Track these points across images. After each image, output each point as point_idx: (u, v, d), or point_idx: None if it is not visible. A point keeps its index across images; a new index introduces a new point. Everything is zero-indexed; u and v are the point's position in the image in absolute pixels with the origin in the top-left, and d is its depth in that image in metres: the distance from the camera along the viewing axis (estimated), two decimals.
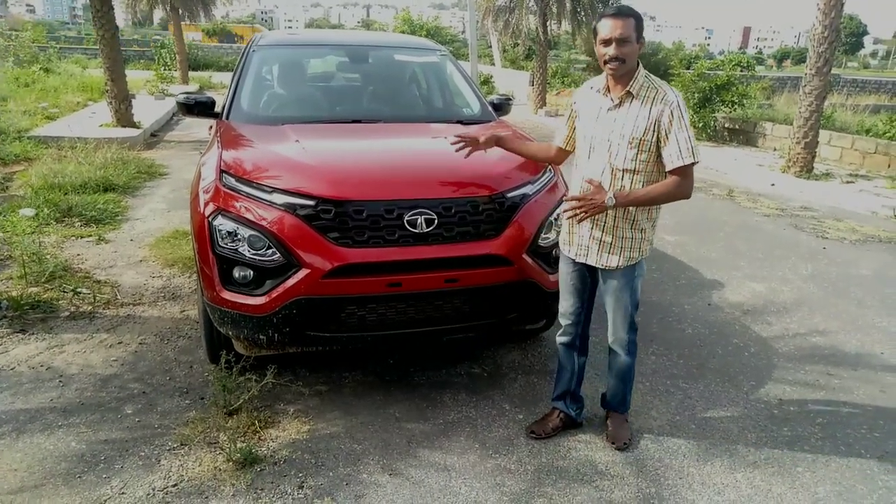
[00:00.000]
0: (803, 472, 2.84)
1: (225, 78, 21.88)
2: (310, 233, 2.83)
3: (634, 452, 2.92)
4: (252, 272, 2.91)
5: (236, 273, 2.92)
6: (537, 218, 3.16)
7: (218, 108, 4.03)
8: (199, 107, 3.98)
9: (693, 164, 2.52)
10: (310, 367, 3.52)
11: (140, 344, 3.76)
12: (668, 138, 2.51)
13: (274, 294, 2.85)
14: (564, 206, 2.70)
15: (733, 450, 2.97)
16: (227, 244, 2.90)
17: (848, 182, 9.66)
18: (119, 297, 4.40)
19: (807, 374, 3.74)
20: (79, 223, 6.00)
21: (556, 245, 3.26)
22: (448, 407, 3.22)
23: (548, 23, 17.38)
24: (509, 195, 3.12)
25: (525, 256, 3.08)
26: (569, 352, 3.03)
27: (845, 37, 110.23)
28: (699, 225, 6.98)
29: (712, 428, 3.15)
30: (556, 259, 3.29)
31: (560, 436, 3.02)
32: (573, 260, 2.84)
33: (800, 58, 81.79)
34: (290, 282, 2.82)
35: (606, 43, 2.52)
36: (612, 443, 2.95)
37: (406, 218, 2.89)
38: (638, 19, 2.53)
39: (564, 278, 2.93)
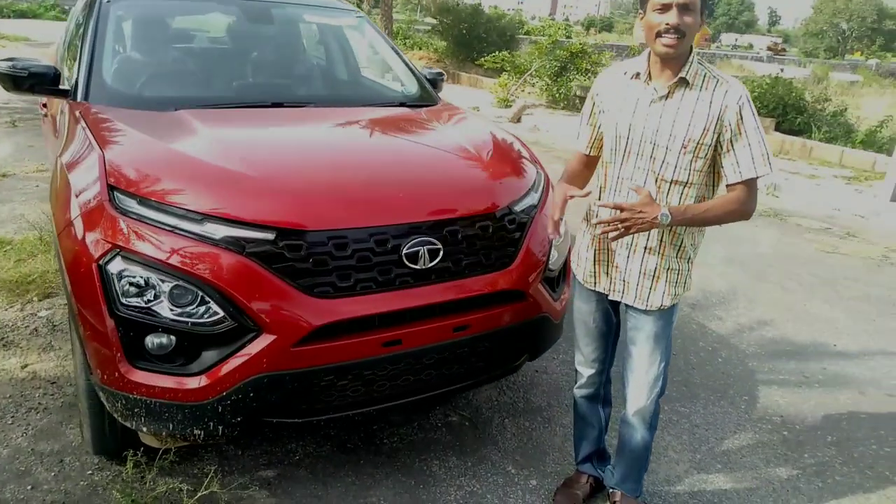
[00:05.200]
0: None
1: (15, 27, 18.22)
2: (270, 280, 1.94)
3: None
4: (175, 340, 1.95)
5: (150, 342, 1.95)
6: (547, 234, 2.51)
7: (66, 84, 2.84)
8: (34, 80, 2.74)
9: (763, 175, 1.97)
10: (239, 442, 2.60)
11: None
12: (735, 143, 1.94)
13: (219, 373, 1.93)
14: (600, 217, 2.06)
15: (772, 491, 2.62)
16: (134, 302, 1.92)
17: None
18: None
19: (785, 378, 3.52)
20: None
21: (562, 267, 2.65)
22: (442, 480, 2.51)
23: None
24: (517, 208, 2.43)
25: (539, 286, 2.43)
26: (592, 405, 2.44)
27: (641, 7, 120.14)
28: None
29: (738, 465, 2.77)
30: (558, 281, 2.69)
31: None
32: (598, 296, 2.23)
33: (602, 26, 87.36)
34: (246, 354, 1.92)
35: (664, 9, 1.88)
36: None
37: (404, 250, 2.09)
38: None
39: (584, 319, 2.30)
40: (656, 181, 2.01)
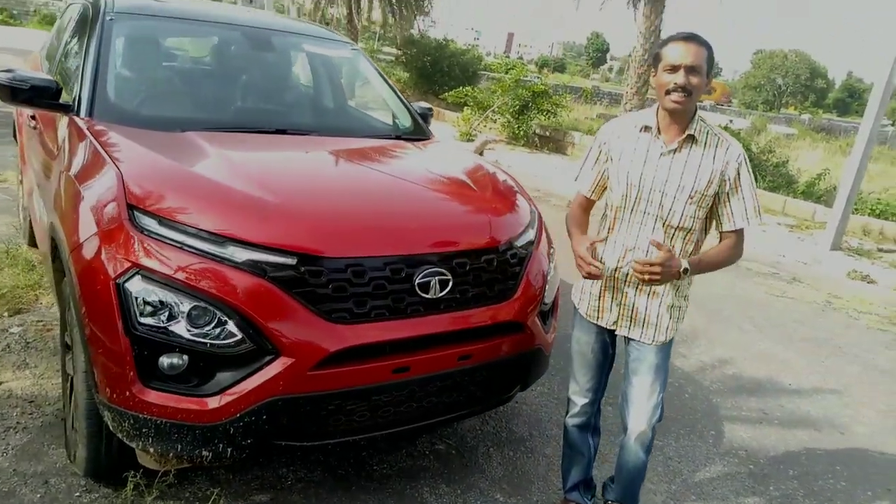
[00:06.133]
0: None
1: None
2: (290, 304, 1.99)
3: None
4: (189, 360, 1.97)
5: (164, 362, 1.96)
6: (543, 269, 2.64)
7: (66, 98, 2.83)
8: (34, 93, 2.71)
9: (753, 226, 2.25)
10: (230, 467, 2.59)
11: None
12: (731, 196, 2.19)
13: (234, 394, 1.95)
14: (606, 259, 2.25)
15: None
16: (151, 322, 1.93)
17: None
18: None
19: (747, 414, 3.72)
20: None
21: (552, 301, 2.78)
22: None
23: (358, 11, 16.68)
24: (517, 243, 2.55)
25: (536, 319, 2.54)
26: (583, 435, 2.55)
27: (592, 52, 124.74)
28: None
29: (710, 495, 2.92)
30: (549, 315, 2.82)
31: None
32: (598, 328, 2.37)
33: (556, 66, 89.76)
34: (262, 376, 1.96)
35: (673, 70, 2.08)
36: None
37: (417, 280, 2.17)
38: (711, 51, 2.13)
39: (583, 350, 2.43)
40: (663, 226, 2.19)
